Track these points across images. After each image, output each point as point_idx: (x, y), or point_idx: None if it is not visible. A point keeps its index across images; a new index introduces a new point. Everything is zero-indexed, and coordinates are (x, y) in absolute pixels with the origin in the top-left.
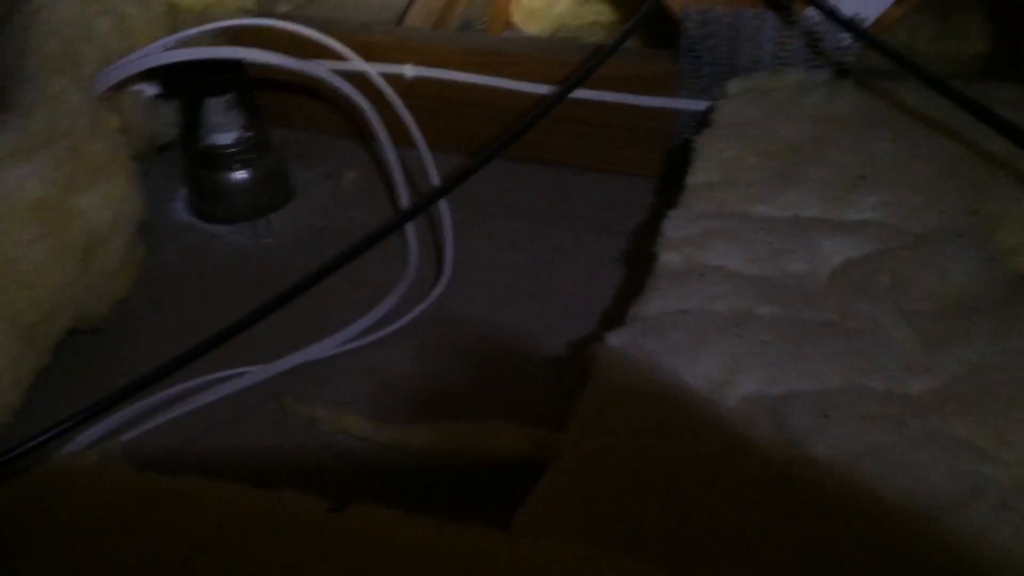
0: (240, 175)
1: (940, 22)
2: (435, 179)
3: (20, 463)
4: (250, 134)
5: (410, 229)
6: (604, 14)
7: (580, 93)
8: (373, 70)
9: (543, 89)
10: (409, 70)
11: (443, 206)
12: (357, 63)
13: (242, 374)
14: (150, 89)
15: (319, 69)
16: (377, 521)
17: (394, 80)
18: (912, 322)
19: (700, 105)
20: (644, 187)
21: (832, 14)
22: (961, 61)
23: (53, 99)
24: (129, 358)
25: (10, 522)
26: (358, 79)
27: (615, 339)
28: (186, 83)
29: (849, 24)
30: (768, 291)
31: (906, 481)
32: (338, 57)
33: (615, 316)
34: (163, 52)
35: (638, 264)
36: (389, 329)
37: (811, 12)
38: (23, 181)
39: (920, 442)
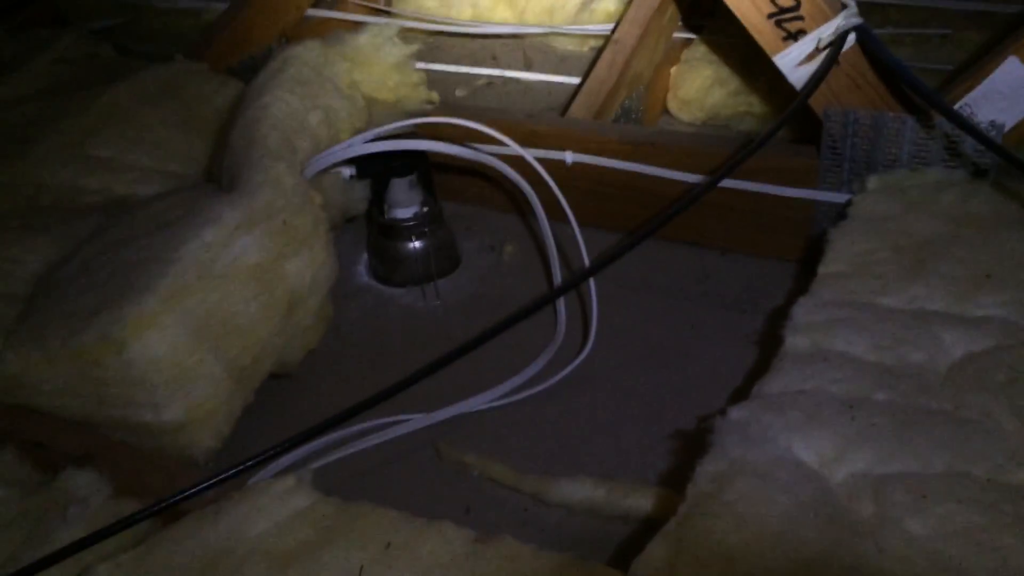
0: (416, 245)
1: None
2: (586, 256)
3: (225, 486)
4: (427, 209)
5: (560, 301)
6: (755, 105)
7: (728, 182)
8: (532, 158)
9: (691, 177)
10: (569, 156)
11: (591, 282)
12: (521, 151)
13: (407, 420)
14: (347, 171)
15: (488, 158)
16: (514, 553)
17: (556, 164)
18: (1023, 415)
19: (840, 198)
20: (784, 271)
21: (966, 127)
22: None
23: (273, 182)
24: (314, 400)
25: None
26: (521, 164)
27: (736, 413)
28: (377, 166)
29: (982, 136)
30: (886, 378)
31: (991, 561)
32: (504, 145)
33: (743, 392)
34: (363, 144)
35: (770, 345)
36: (536, 389)
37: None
38: (246, 249)
39: (1010, 527)
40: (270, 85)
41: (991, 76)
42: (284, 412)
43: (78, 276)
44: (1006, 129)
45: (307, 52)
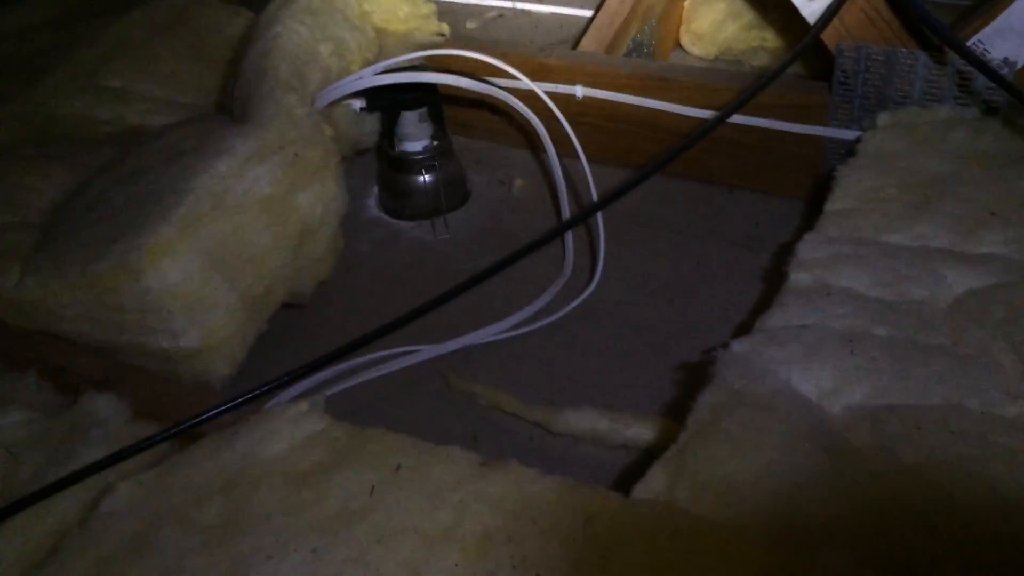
0: (426, 178)
1: None
2: (594, 192)
3: (241, 410)
4: (436, 143)
5: (568, 236)
6: (769, 40)
7: (737, 118)
8: (543, 92)
9: (702, 113)
10: (580, 91)
11: (599, 217)
12: (532, 85)
13: (417, 351)
14: (357, 103)
15: (499, 91)
16: (519, 477)
17: (566, 99)
18: (1020, 351)
19: (850, 135)
20: (792, 209)
21: (977, 64)
22: None
23: (284, 114)
24: (326, 331)
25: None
26: (532, 98)
27: (738, 346)
28: (387, 99)
29: (993, 74)
30: (887, 314)
31: (980, 489)
32: (515, 79)
33: (746, 326)
34: (373, 76)
35: (776, 281)
36: (543, 322)
37: None
38: (258, 180)
39: (1001, 457)
40: (280, 15)
41: (1005, 13)
42: (297, 341)
43: (95, 206)
44: (1019, 66)
45: None
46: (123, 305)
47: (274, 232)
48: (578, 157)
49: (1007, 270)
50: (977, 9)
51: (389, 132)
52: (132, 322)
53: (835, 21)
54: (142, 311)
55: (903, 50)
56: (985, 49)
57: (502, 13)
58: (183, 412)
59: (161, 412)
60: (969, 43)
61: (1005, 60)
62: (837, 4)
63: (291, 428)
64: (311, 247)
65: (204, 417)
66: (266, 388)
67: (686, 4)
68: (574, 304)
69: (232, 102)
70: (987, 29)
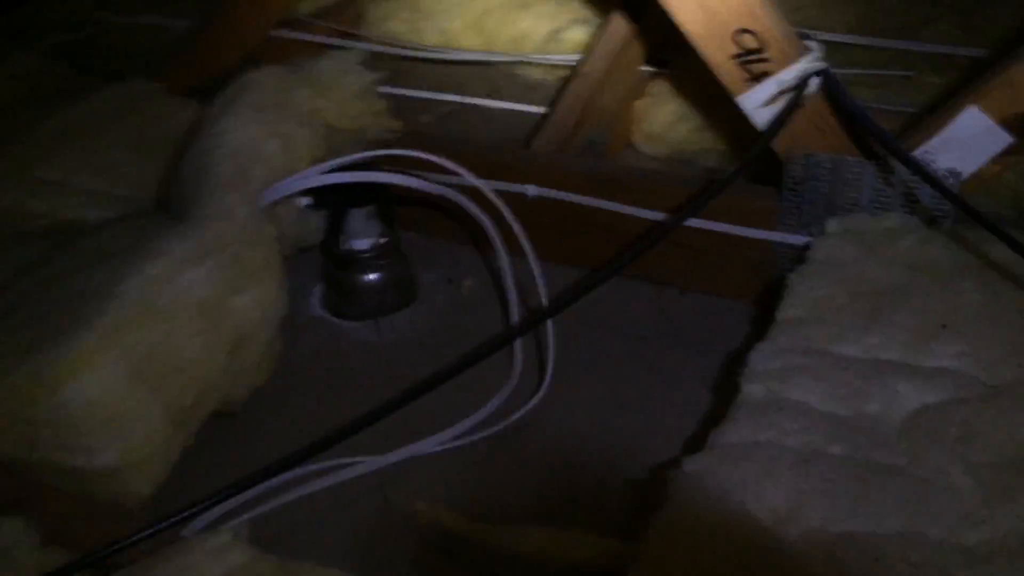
0: (372, 277)
1: None
2: (544, 296)
3: (160, 537)
4: (384, 240)
5: (517, 341)
6: (719, 141)
7: (690, 221)
8: (495, 191)
9: (653, 215)
10: (532, 189)
11: (549, 322)
12: (479, 184)
13: (354, 463)
14: (304, 200)
15: (448, 191)
16: None
17: (518, 197)
18: (976, 474)
19: (800, 240)
20: (743, 312)
21: (925, 175)
22: None
23: (225, 213)
24: (258, 441)
25: None
26: (483, 196)
27: (691, 466)
28: (334, 196)
29: (938, 185)
30: (841, 430)
31: None
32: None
33: (699, 439)
34: (320, 175)
35: (728, 390)
36: (490, 431)
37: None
38: (193, 283)
39: None
40: (226, 112)
41: (950, 125)
42: (226, 454)
43: (16, 309)
44: (963, 177)
45: (266, 78)
46: (37, 420)
47: (207, 338)
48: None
49: (959, 385)
50: (924, 119)
51: (336, 229)
52: (46, 438)
53: (784, 129)
54: (57, 426)
55: (851, 158)
56: (931, 159)
57: (457, 108)
58: (99, 537)
59: (72, 538)
60: (916, 153)
61: (951, 171)
62: (787, 112)
63: (210, 562)
64: (246, 353)
65: (118, 547)
66: (187, 514)
67: (639, 104)
68: (520, 414)
69: (171, 199)
70: (933, 140)
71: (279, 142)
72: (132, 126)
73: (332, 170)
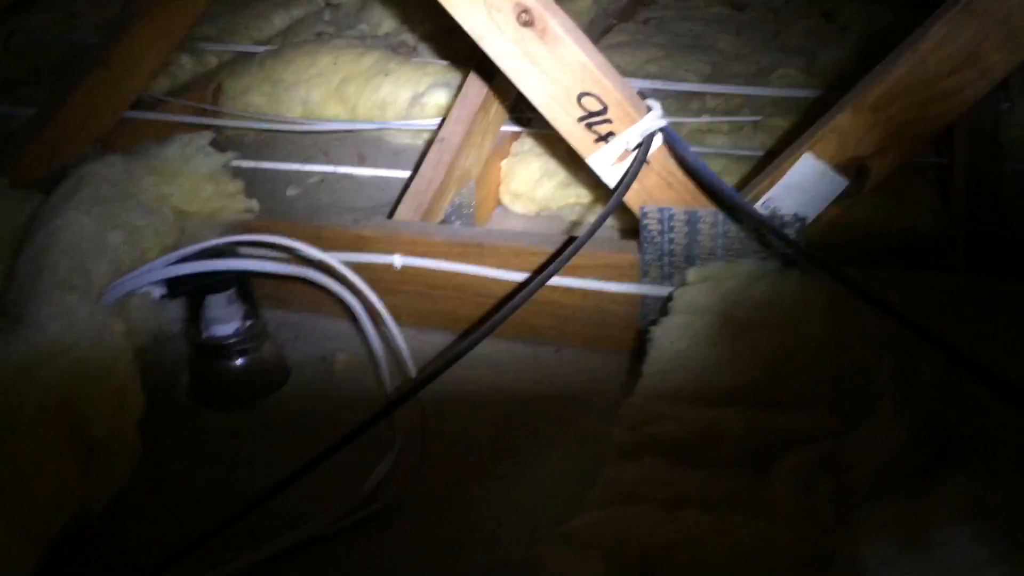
0: (238, 363)
1: (895, 202)
2: (410, 367)
3: None
4: (249, 322)
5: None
6: (583, 196)
7: (556, 280)
8: (347, 268)
9: (520, 276)
10: (398, 260)
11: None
12: (336, 263)
13: (230, 560)
14: (156, 290)
15: (307, 271)
16: None
17: (384, 268)
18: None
19: (663, 291)
20: (618, 363)
21: (763, 224)
22: (915, 237)
23: (63, 315)
24: (120, 553)
25: None
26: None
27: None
28: (190, 284)
29: (778, 233)
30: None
31: None
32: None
33: (577, 506)
34: (168, 267)
35: (605, 446)
36: (365, 512)
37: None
38: (33, 393)
39: None
40: (62, 207)
41: (789, 172)
42: (86, 570)
43: None
44: (808, 221)
45: (106, 168)
46: None
47: (54, 448)
48: (400, 325)
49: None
50: (767, 167)
51: (195, 316)
52: None
53: (635, 185)
54: None
55: (702, 210)
56: (776, 207)
57: (324, 178)
58: None
59: None
60: (760, 202)
61: (795, 215)
62: (634, 170)
63: None
64: (101, 457)
65: None
66: None
67: (504, 164)
68: (395, 493)
69: (6, 304)
70: (775, 188)
71: (122, 234)
72: None
73: (182, 259)
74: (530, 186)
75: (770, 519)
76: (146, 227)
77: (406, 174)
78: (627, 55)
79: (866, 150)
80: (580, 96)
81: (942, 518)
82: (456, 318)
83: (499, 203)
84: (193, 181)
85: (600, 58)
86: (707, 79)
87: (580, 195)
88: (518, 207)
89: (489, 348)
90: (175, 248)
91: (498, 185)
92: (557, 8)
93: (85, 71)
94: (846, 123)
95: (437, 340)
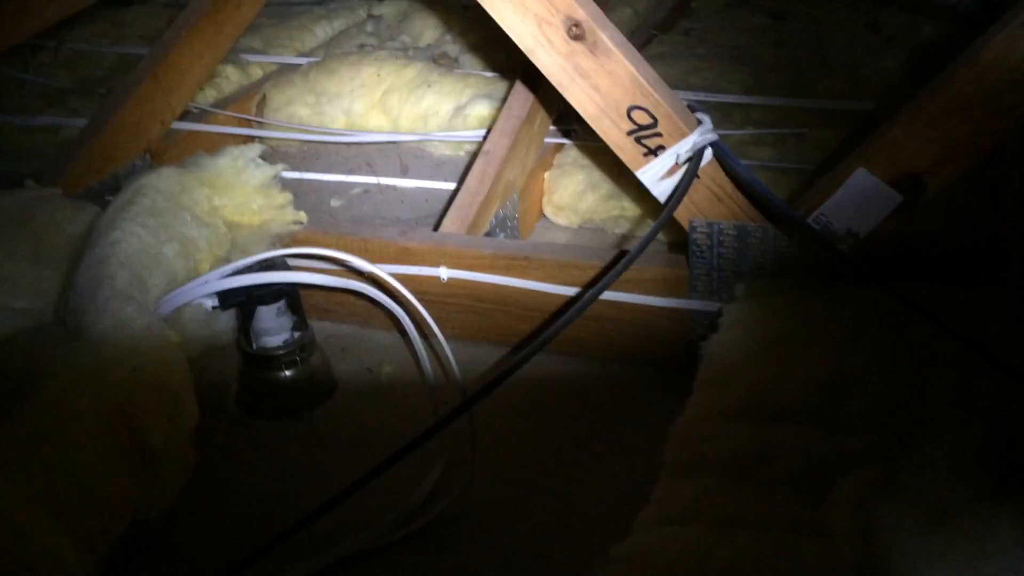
0: (286, 375)
1: (947, 216)
2: (459, 383)
3: None
4: (298, 334)
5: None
6: (628, 209)
7: (604, 294)
8: (406, 275)
9: (566, 290)
10: (444, 273)
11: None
12: (387, 276)
13: (280, 573)
14: (209, 302)
15: (356, 283)
16: None
17: (431, 281)
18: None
19: (712, 306)
20: (665, 380)
21: (816, 239)
22: (968, 252)
23: (121, 326)
24: (173, 561)
25: None
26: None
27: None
28: (241, 294)
29: (832, 248)
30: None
31: None
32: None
33: (628, 519)
34: (219, 280)
35: (654, 462)
36: (416, 525)
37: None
38: (92, 402)
39: None
40: (119, 219)
41: (843, 187)
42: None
43: None
44: (862, 236)
45: (161, 180)
46: None
47: (112, 457)
48: (447, 337)
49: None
50: (817, 181)
51: (246, 328)
52: None
53: (685, 199)
54: None
55: (752, 225)
56: (828, 221)
57: (367, 189)
58: None
59: None
60: (812, 216)
61: (848, 231)
62: (685, 184)
63: None
64: (156, 468)
65: None
66: None
67: (547, 176)
68: (444, 506)
69: (66, 313)
70: (828, 203)
71: (177, 246)
72: (28, 234)
73: (235, 272)
74: (574, 198)
75: (828, 543)
76: (199, 239)
77: (449, 185)
78: (668, 66)
79: (921, 165)
80: (630, 109)
81: (1003, 546)
82: (502, 331)
83: (542, 215)
84: (244, 193)
85: (650, 71)
86: (749, 90)
87: (624, 208)
88: (561, 219)
89: (534, 362)
90: (227, 260)
91: (541, 197)
92: (607, 21)
93: (135, 82)
94: (901, 137)
95: (482, 353)
